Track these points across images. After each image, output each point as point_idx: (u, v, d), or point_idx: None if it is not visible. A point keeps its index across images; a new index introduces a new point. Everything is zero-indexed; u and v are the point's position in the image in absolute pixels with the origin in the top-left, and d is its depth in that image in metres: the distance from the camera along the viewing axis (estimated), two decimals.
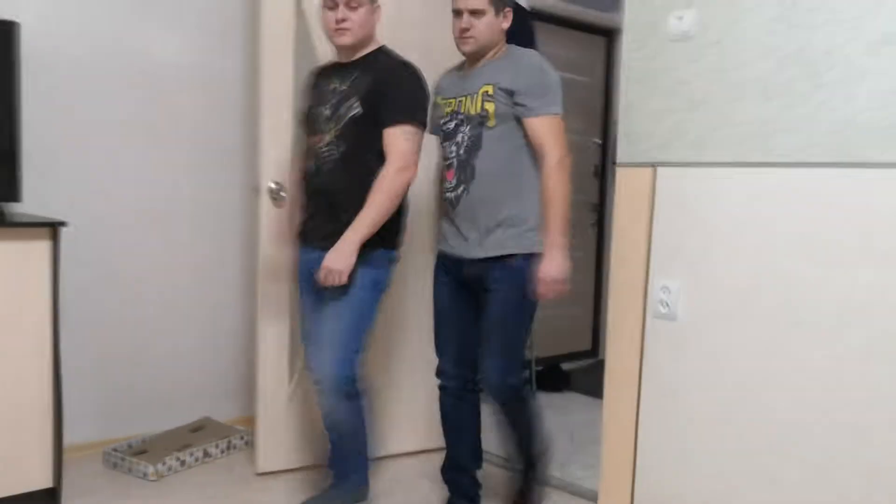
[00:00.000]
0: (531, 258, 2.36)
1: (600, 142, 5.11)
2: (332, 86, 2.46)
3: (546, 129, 2.34)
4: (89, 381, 3.07)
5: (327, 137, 2.42)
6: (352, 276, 2.35)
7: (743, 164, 2.14)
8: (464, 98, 2.44)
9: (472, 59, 2.47)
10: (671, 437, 2.34)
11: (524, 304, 2.41)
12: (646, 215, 2.36)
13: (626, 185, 2.42)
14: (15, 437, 2.45)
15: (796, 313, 2.05)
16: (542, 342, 4.61)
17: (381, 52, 2.48)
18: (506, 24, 2.44)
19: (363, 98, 2.37)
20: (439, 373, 2.63)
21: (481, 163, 2.38)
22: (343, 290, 2.39)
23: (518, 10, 4.15)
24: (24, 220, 2.47)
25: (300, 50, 2.86)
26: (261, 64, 2.80)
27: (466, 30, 2.38)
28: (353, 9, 2.37)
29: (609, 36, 5.05)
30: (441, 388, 2.63)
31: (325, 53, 2.69)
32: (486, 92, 2.37)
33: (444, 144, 2.50)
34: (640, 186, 2.37)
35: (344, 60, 2.48)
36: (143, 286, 3.18)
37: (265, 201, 2.81)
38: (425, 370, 3.00)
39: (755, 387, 2.14)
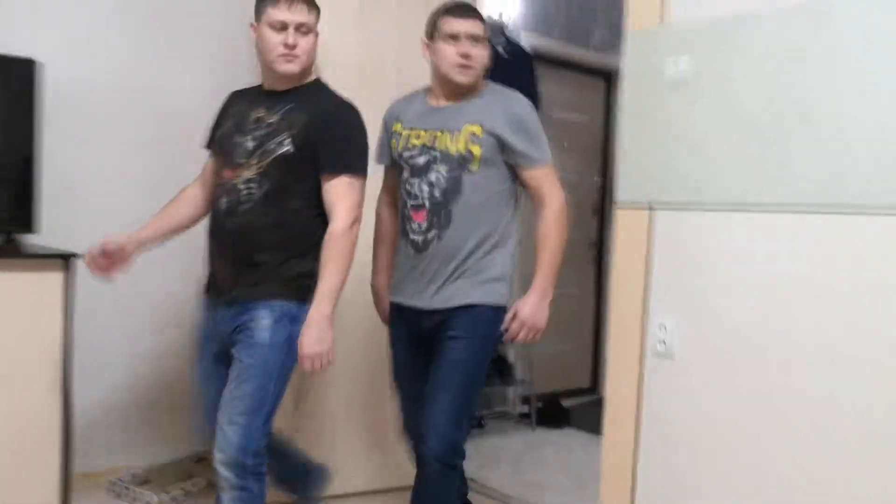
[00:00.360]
0: (498, 311, 2.27)
1: (600, 180, 5.20)
2: (256, 115, 2.20)
3: (546, 177, 2.29)
4: (99, 410, 3.11)
5: (247, 173, 2.15)
6: (260, 331, 2.12)
7: (740, 207, 2.20)
8: (439, 133, 2.27)
9: (454, 91, 2.30)
10: (671, 475, 2.36)
11: (484, 356, 2.29)
12: (643, 255, 2.42)
13: (625, 226, 2.48)
14: (23, 465, 2.48)
15: (793, 351, 2.09)
16: (542, 378, 4.65)
17: (319, 86, 2.27)
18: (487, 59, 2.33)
19: (296, 136, 2.14)
20: (405, 433, 2.47)
21: (459, 209, 2.23)
22: (246, 343, 2.13)
23: (519, 51, 4.28)
24: (39, 251, 2.54)
25: None
26: None
27: (468, 56, 2.22)
28: (304, 34, 2.17)
29: (608, 77, 5.16)
30: (416, 457, 2.27)
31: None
32: (473, 133, 2.23)
33: (410, 180, 2.29)
34: (638, 227, 2.43)
35: (278, 88, 2.22)
36: (155, 316, 3.23)
37: None
38: None
39: (754, 424, 2.17)
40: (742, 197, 2.19)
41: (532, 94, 4.10)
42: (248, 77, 3.37)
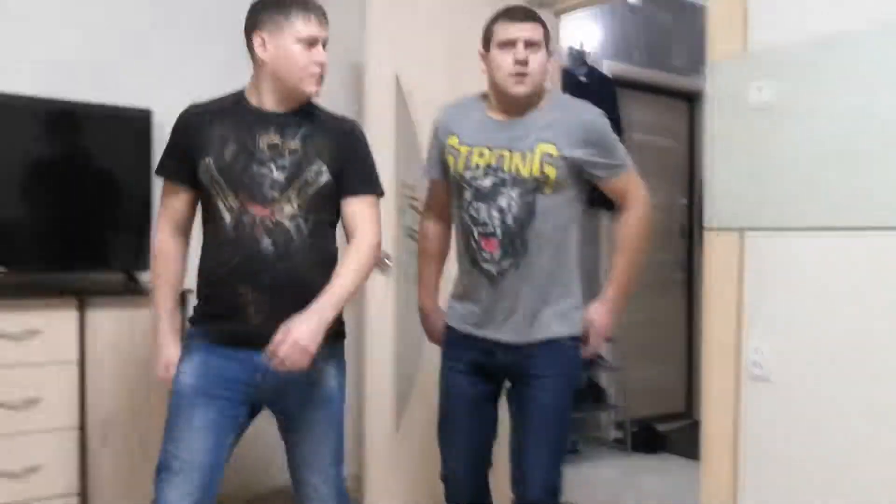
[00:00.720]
0: (578, 340, 2.15)
1: (686, 202, 5.17)
2: (267, 140, 1.93)
3: (631, 180, 2.16)
4: None
5: (288, 208, 1.91)
6: (321, 378, 1.99)
7: (830, 228, 2.19)
8: (507, 153, 2.06)
9: (514, 104, 2.10)
10: (772, 501, 2.35)
11: (571, 392, 2.17)
12: (735, 278, 2.42)
13: (715, 249, 2.49)
14: None
15: (894, 372, 2.07)
16: (636, 402, 4.62)
17: (313, 105, 2.05)
18: (552, 68, 2.18)
19: (331, 164, 1.96)
20: (447, 479, 2.26)
21: (536, 235, 2.06)
22: (315, 400, 2.00)
23: (600, 78, 4.34)
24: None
25: (399, 128, 3.06)
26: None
27: (524, 64, 2.01)
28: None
29: (691, 98, 5.15)
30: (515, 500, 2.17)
31: (425, 132, 2.85)
32: (548, 153, 2.03)
33: (476, 205, 2.09)
34: (729, 250, 2.44)
35: (280, 110, 1.96)
36: None
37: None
38: None
39: (856, 450, 2.14)
40: (833, 218, 2.19)
41: (614, 119, 4.14)
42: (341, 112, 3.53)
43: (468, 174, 2.10)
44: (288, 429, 2.05)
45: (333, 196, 1.98)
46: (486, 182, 2.07)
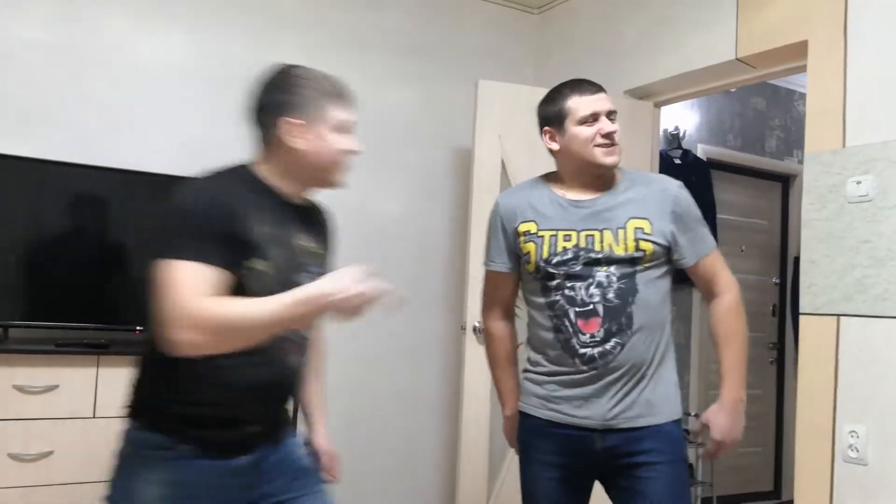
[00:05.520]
0: (680, 423, 2.00)
1: (778, 281, 5.20)
2: (302, 244, 1.71)
3: (717, 263, 2.02)
4: None
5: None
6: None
7: None
8: (598, 233, 1.95)
9: (595, 179, 2.01)
10: None
11: (686, 477, 1.99)
12: (831, 362, 2.49)
13: (811, 333, 2.58)
14: None
15: None
16: (724, 481, 4.60)
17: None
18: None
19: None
20: None
21: (640, 311, 1.92)
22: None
23: (694, 160, 4.48)
24: None
25: None
26: (471, 217, 3.26)
27: (612, 135, 1.96)
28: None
29: (784, 180, 5.23)
30: None
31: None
32: (641, 229, 1.93)
33: (568, 284, 1.94)
34: (824, 335, 2.52)
35: (296, 200, 1.73)
36: (352, 412, 3.55)
37: (470, 337, 3.21)
38: None
39: None
40: None
41: (708, 201, 4.28)
42: (443, 194, 3.80)
43: (555, 259, 1.95)
44: None
45: None
46: (578, 265, 1.94)
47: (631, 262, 1.92)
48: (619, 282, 1.92)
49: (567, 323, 1.94)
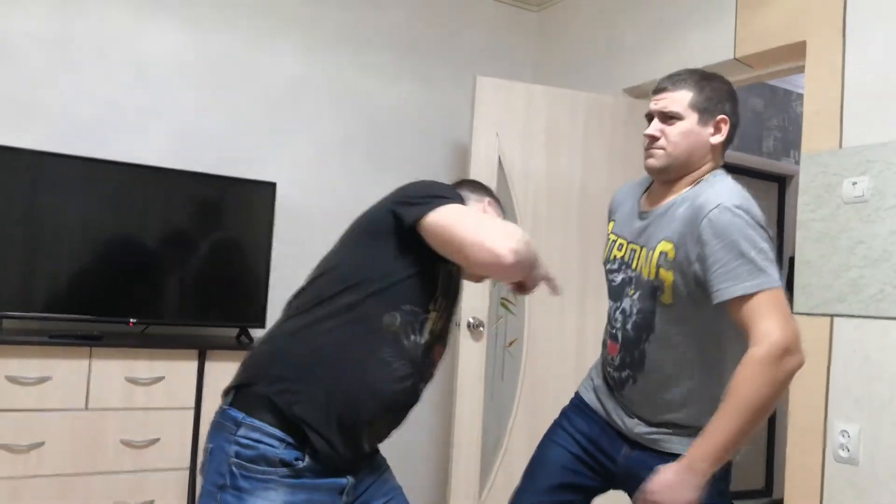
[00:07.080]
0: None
1: None
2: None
3: (754, 310, 1.55)
4: None
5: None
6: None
7: None
8: (638, 248, 1.77)
9: (661, 187, 1.80)
10: None
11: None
12: (823, 361, 2.50)
13: (804, 333, 2.56)
14: None
15: None
16: None
17: None
18: (717, 139, 1.79)
19: None
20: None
21: (654, 351, 1.71)
22: None
23: None
24: None
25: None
26: None
27: (655, 139, 1.74)
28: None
29: (780, 181, 5.23)
30: None
31: (523, 208, 3.06)
32: (664, 253, 1.67)
33: (611, 301, 1.85)
34: (818, 335, 2.53)
35: None
36: None
37: (464, 333, 3.21)
38: None
39: None
40: None
41: None
42: None
43: (607, 266, 1.86)
44: None
45: None
46: (618, 279, 1.81)
47: (652, 292, 1.70)
48: (638, 315, 1.73)
49: (606, 336, 1.88)
